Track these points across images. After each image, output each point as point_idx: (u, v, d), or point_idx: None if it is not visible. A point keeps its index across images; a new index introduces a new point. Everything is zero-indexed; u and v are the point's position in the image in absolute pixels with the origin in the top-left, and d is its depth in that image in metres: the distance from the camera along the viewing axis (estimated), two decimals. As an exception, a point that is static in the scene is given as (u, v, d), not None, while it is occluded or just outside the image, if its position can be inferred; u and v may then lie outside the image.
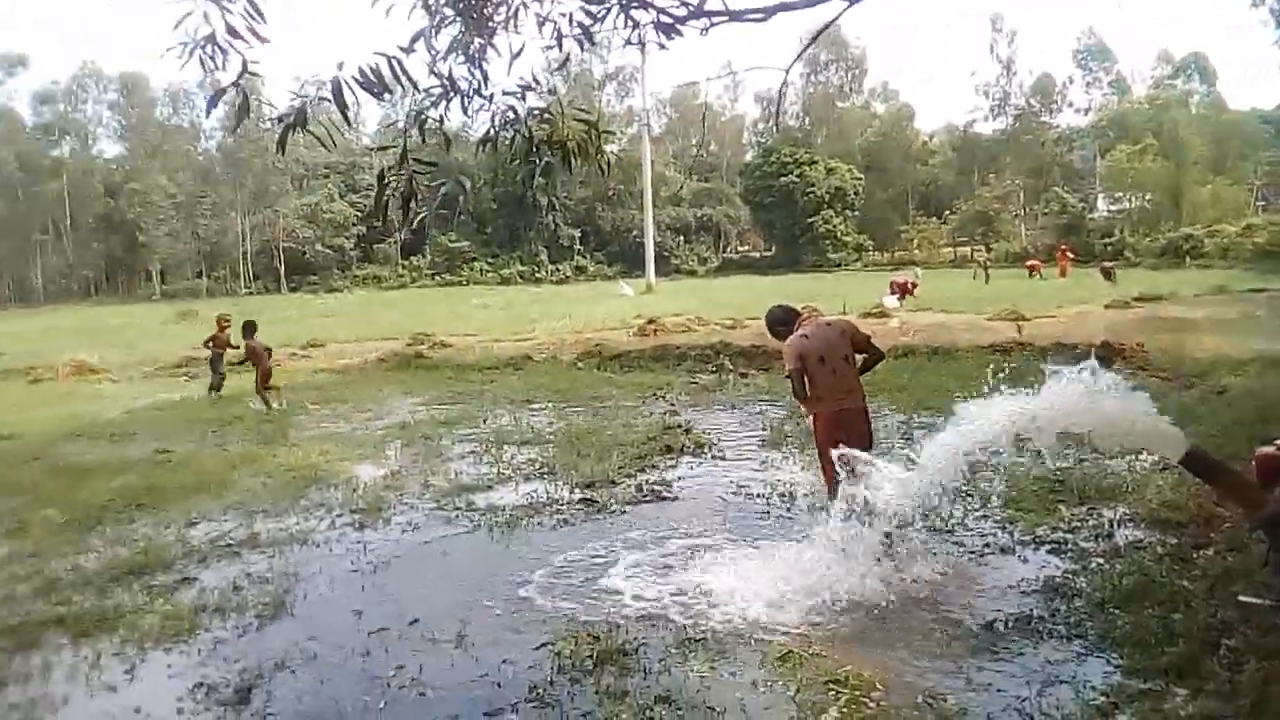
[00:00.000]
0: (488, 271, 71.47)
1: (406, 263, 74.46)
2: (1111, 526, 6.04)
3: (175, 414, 13.04)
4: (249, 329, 13.67)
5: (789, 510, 6.85)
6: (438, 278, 71.35)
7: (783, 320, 6.27)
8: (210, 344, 14.40)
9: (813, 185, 69.30)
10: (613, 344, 18.42)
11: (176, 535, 6.74)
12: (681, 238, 75.93)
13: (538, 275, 70.28)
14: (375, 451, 9.69)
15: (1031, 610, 4.72)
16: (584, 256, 74.42)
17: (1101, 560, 5.43)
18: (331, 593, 5.51)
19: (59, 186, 72.88)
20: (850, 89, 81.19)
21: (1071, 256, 43.71)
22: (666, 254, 69.98)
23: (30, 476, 9.08)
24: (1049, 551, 5.70)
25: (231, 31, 3.07)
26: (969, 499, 6.62)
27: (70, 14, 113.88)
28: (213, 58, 3.09)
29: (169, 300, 62.30)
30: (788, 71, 4.26)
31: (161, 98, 78.98)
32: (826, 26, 4.46)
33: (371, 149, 67.76)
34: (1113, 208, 68.34)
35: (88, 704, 4.21)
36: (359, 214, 72.50)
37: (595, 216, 75.79)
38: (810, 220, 69.27)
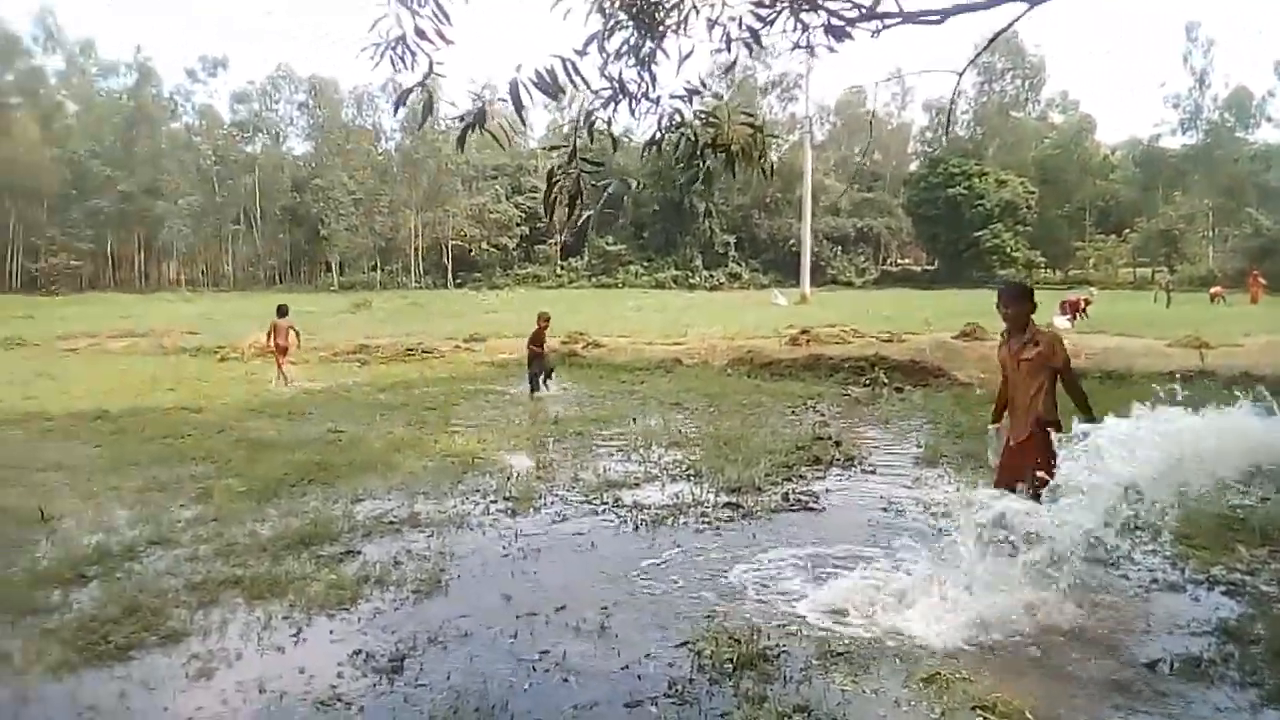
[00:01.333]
0: (642, 275, 72.42)
1: (565, 264, 76.40)
2: (1298, 571, 5.58)
3: (347, 397, 13.81)
4: (281, 311, 16.04)
5: (941, 531, 6.64)
6: (594, 279, 72.85)
7: (1026, 297, 5.56)
8: (532, 344, 14.56)
9: (982, 198, 66.99)
10: (764, 352, 18.32)
11: (344, 510, 7.13)
12: (839, 248, 74.82)
13: (691, 281, 70.69)
14: (529, 444, 10.00)
15: (1202, 653, 4.42)
16: (739, 264, 74.35)
17: (1285, 606, 5.03)
18: (484, 574, 5.72)
19: (251, 181, 78.65)
20: (1026, 98, 78.05)
21: (1264, 283, 40.55)
22: (823, 264, 69.09)
23: (216, 447, 9.81)
24: (1224, 593, 5.33)
25: (419, 33, 3.24)
26: (1137, 531, 6.25)
27: (270, 18, 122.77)
28: (402, 58, 3.28)
29: (344, 291, 65.99)
30: (960, 75, 4.15)
31: (347, 99, 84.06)
32: (1004, 30, 4.31)
33: (542, 149, 70.05)
34: (1313, 231, 63.01)
35: (257, 661, 4.49)
36: (523, 215, 75.00)
37: (752, 224, 75.65)
38: (977, 234, 66.97)
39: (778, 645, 4.54)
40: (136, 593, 5.26)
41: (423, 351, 20.04)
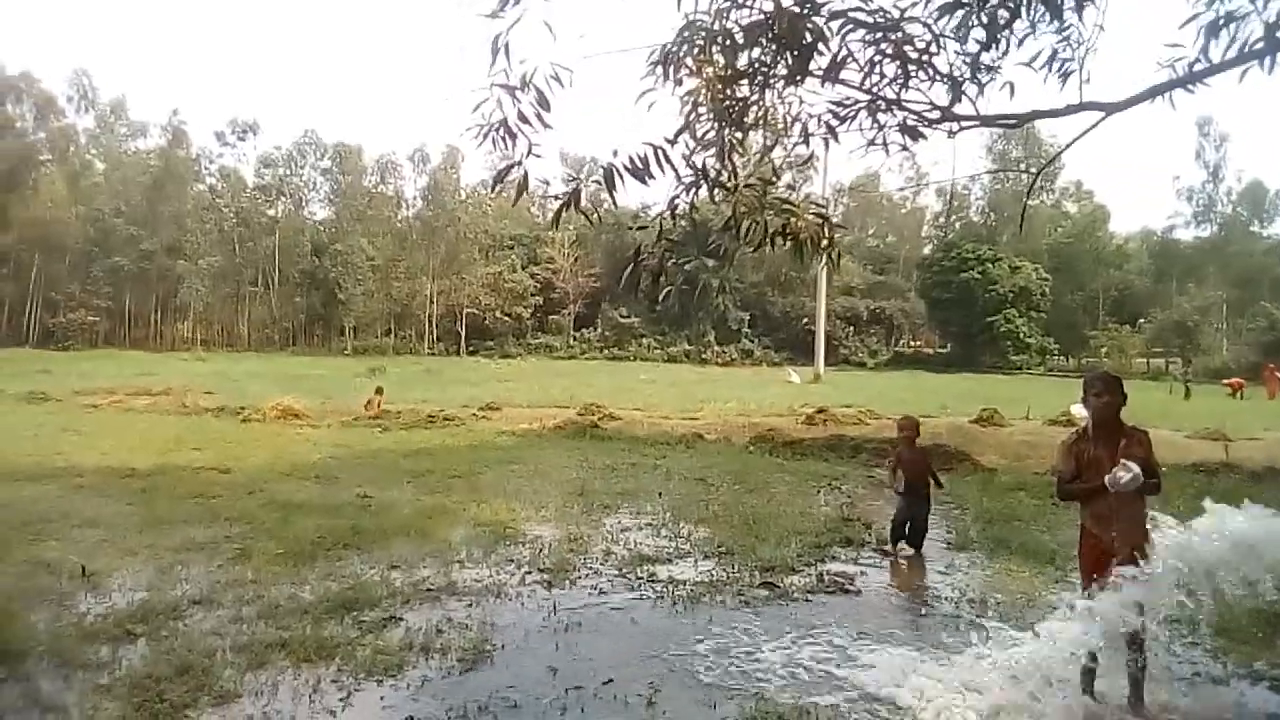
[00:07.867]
0: (654, 349, 72.82)
1: (578, 334, 76.92)
2: (1343, 668, 5.55)
3: (372, 462, 13.86)
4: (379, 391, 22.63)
5: (978, 617, 6.61)
6: (606, 351, 73.25)
7: (1120, 386, 5.21)
8: (896, 458, 9.09)
9: (995, 283, 67.50)
10: (785, 430, 18.34)
11: (381, 576, 7.15)
12: (852, 328, 75.23)
13: (703, 356, 71.03)
14: (558, 515, 9.98)
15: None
16: (751, 340, 74.75)
17: (1334, 704, 5.00)
18: (526, 645, 5.72)
19: (271, 243, 79.80)
20: (1041, 186, 79.06)
21: None
22: (835, 344, 69.37)
23: (247, 508, 9.83)
24: (1270, 688, 5.30)
25: (522, 118, 3.42)
26: (1175, 623, 6.22)
27: (296, 85, 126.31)
28: (503, 139, 3.45)
29: (358, 355, 66.41)
30: (1036, 175, 4.29)
31: (371, 167, 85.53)
32: (1080, 136, 4.48)
33: (562, 223, 71.27)
34: (1328, 326, 63.26)
35: (311, 725, 4.51)
36: (538, 285, 75.77)
37: (765, 301, 76.19)
38: (990, 319, 67.30)
39: (829, 728, 4.53)
40: (185, 652, 5.28)
41: (444, 418, 20.10)
